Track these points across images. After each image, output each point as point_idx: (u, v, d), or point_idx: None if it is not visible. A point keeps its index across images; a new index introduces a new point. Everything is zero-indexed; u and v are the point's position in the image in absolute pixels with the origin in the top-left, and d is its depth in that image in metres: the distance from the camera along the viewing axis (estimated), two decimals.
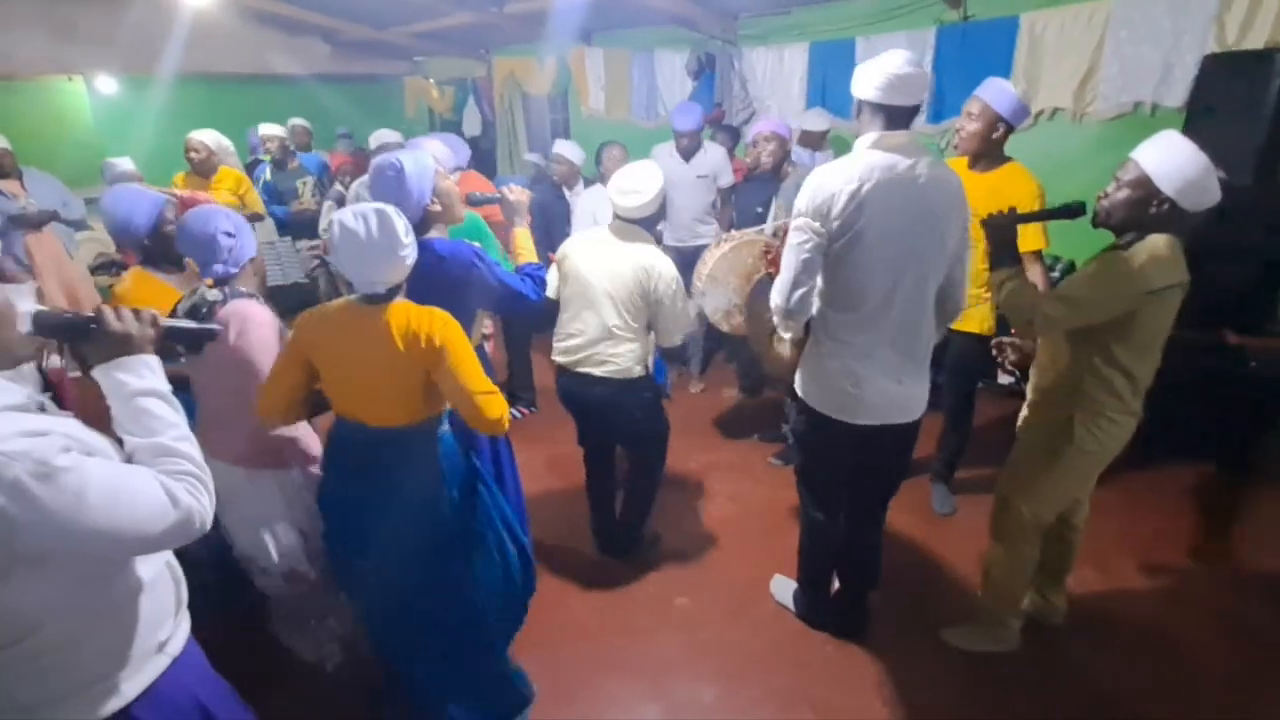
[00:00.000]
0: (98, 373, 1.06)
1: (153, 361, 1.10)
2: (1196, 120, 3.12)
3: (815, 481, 2.17)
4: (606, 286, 2.26)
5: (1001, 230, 1.88)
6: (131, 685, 1.03)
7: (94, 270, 4.60)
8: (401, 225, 1.49)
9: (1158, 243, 1.68)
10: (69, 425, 0.97)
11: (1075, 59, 3.63)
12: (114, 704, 1.01)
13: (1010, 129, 2.42)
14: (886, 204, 1.68)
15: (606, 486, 2.70)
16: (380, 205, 1.50)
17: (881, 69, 1.68)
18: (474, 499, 1.71)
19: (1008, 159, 2.48)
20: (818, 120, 4.21)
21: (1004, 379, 3.84)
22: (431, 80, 7.32)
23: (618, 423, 2.45)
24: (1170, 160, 1.65)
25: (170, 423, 1.06)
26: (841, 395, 1.89)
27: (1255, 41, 3.14)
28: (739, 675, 2.16)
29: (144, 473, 0.98)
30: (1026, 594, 2.20)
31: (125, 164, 4.07)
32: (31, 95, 5.59)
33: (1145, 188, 1.68)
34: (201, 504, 1.01)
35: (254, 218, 4.43)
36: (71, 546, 0.90)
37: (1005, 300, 1.85)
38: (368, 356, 1.51)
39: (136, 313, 1.10)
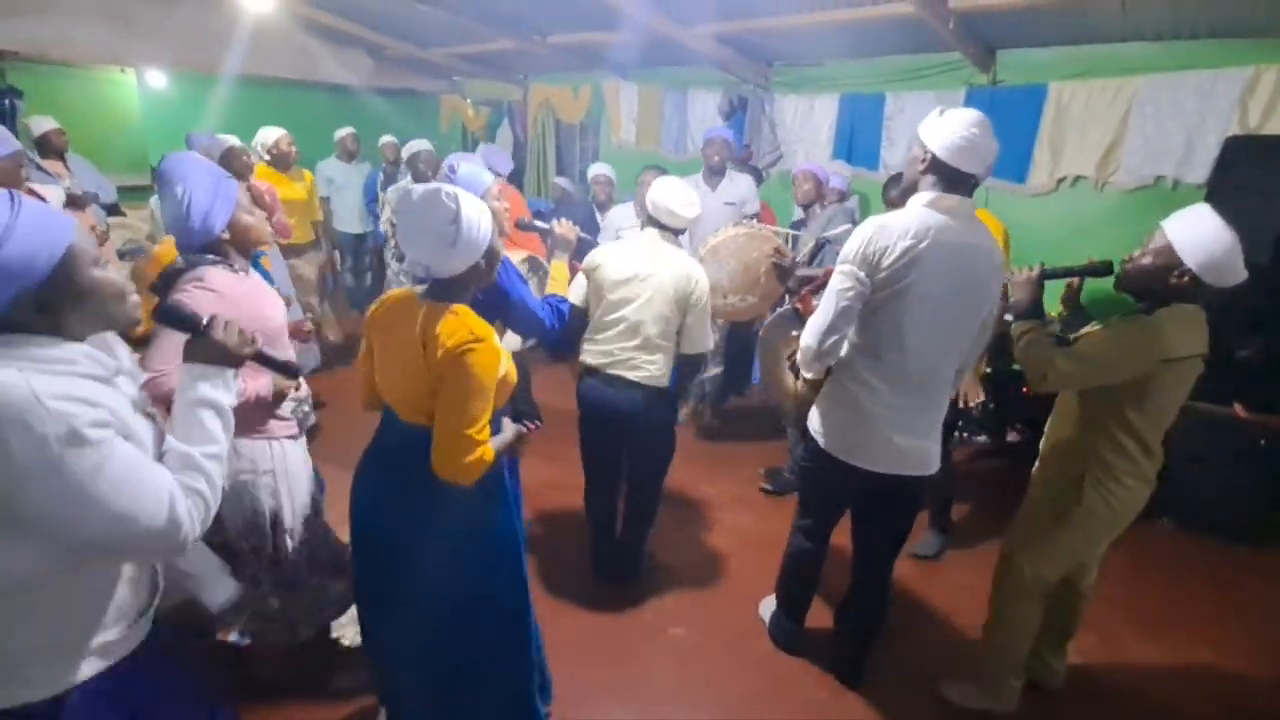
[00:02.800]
0: (184, 367, 1.12)
1: (232, 377, 1.15)
2: (1216, 198, 3.16)
3: (809, 511, 2.21)
4: (646, 294, 2.32)
5: (1028, 286, 1.92)
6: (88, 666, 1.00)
7: (121, 255, 4.70)
8: (455, 205, 1.36)
9: (1181, 311, 1.71)
10: (121, 402, 1.00)
11: (1100, 130, 3.71)
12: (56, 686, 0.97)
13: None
14: (936, 266, 1.70)
15: (608, 508, 2.69)
16: (440, 185, 1.41)
17: (956, 127, 1.65)
18: (502, 510, 1.66)
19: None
20: (835, 176, 4.32)
21: (1012, 436, 3.84)
22: (468, 100, 7.51)
23: (634, 431, 2.46)
24: (1196, 235, 1.66)
25: (213, 438, 1.09)
26: (852, 440, 1.91)
27: (1277, 126, 3.21)
28: (730, 711, 2.14)
29: (163, 477, 1.00)
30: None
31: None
32: (84, 83, 5.77)
33: (1167, 257, 1.70)
34: (194, 527, 1.02)
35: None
36: (66, 518, 0.90)
37: (1022, 351, 1.86)
38: (398, 350, 1.48)
39: (241, 331, 1.16)
